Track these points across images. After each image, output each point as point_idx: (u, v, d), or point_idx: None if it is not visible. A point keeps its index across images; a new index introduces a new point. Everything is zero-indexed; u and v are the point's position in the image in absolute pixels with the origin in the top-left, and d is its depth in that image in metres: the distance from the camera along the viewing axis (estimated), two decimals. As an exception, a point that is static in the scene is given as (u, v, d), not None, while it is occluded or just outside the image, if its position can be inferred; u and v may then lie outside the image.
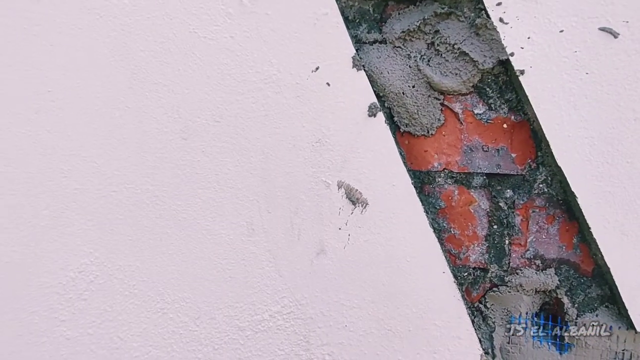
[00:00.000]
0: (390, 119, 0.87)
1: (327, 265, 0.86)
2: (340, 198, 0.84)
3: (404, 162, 0.84)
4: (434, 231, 0.86)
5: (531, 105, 0.79)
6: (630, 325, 0.86)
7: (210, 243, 0.86)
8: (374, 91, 0.82)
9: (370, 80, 0.82)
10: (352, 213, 0.85)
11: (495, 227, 0.89)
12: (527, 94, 0.79)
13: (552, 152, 0.81)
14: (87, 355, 0.89)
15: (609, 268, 0.84)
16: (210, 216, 0.85)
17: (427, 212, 0.86)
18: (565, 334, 0.88)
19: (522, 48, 0.78)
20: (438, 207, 0.89)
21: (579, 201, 0.81)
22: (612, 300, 0.89)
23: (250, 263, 0.87)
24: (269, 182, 0.84)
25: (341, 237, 0.85)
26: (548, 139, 0.80)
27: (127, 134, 0.83)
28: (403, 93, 0.83)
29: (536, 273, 0.88)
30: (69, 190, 0.84)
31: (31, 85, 0.80)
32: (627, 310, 0.85)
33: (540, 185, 0.86)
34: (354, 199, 0.84)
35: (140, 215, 0.85)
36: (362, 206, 0.84)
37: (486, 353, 0.89)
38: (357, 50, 0.81)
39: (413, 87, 0.84)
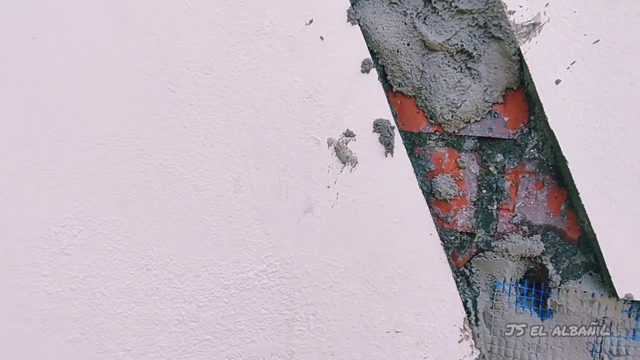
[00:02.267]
0: (383, 77, 0.85)
1: (314, 224, 0.85)
2: (330, 156, 0.83)
3: (395, 122, 0.83)
4: (423, 193, 0.85)
5: (527, 66, 0.78)
6: (612, 293, 0.87)
7: (197, 199, 0.85)
8: (368, 47, 0.80)
9: (364, 36, 0.80)
10: (341, 172, 0.84)
11: (484, 191, 0.89)
12: (523, 54, 0.78)
13: (545, 116, 0.80)
14: (69, 311, 0.88)
15: (595, 235, 0.84)
16: (197, 171, 0.84)
17: (416, 174, 0.85)
18: (548, 300, 0.89)
19: (521, 6, 0.77)
20: (428, 170, 0.88)
21: (570, 166, 0.81)
22: (595, 267, 0.89)
23: (236, 220, 0.85)
24: (258, 138, 0.83)
25: (329, 196, 0.84)
26: (542, 101, 0.79)
27: (113, 84, 0.80)
28: (397, 51, 0.82)
29: (522, 239, 0.88)
30: (52, 142, 0.82)
31: (13, 32, 0.76)
32: (610, 277, 0.85)
33: (531, 150, 0.86)
34: (343, 157, 0.83)
35: (125, 169, 0.83)
36: (351, 165, 0.83)
37: (469, 317, 0.89)
38: (352, 4, 0.79)
39: (408, 45, 0.82)
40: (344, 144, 0.83)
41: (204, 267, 0.87)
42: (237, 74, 0.80)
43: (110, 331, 0.88)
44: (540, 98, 0.79)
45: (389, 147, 0.83)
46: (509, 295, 0.89)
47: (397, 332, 0.88)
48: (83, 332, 0.87)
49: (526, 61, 0.78)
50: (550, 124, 0.80)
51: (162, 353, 0.89)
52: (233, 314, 0.89)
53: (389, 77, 0.85)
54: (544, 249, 0.88)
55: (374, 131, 0.83)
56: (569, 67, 0.79)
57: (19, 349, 0.84)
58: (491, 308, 0.90)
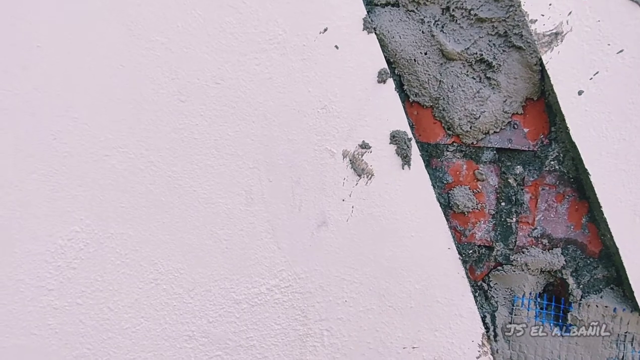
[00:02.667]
0: (399, 87, 0.83)
1: (328, 238, 0.83)
2: (345, 168, 0.81)
3: (412, 133, 0.81)
4: (440, 206, 0.83)
5: (548, 77, 0.76)
6: (634, 307, 0.85)
7: (207, 212, 0.82)
8: (384, 56, 0.78)
9: (380, 45, 0.78)
10: (356, 184, 0.81)
11: (503, 204, 0.86)
12: (545, 64, 0.76)
13: (566, 127, 0.78)
14: (76, 326, 0.86)
15: (617, 249, 0.82)
16: (208, 184, 0.81)
17: (433, 186, 0.83)
18: (568, 315, 0.87)
19: (543, 15, 0.74)
20: (445, 182, 0.86)
21: (592, 179, 0.79)
22: (617, 282, 0.87)
23: (248, 234, 0.83)
24: (270, 150, 0.80)
25: (344, 209, 0.82)
26: (564, 112, 0.77)
27: (121, 94, 0.78)
28: (415, 60, 0.79)
29: (542, 252, 0.85)
30: (59, 153, 0.79)
31: (18, 39, 0.74)
32: (632, 292, 0.83)
33: (552, 162, 0.84)
34: (359, 169, 0.80)
35: (134, 181, 0.81)
36: (367, 177, 0.81)
37: (488, 332, 0.87)
38: (368, 12, 0.77)
39: (425, 54, 0.80)
40: (360, 156, 0.80)
41: (215, 281, 0.85)
42: (249, 84, 0.78)
43: (118, 347, 0.85)
44: (562, 109, 0.77)
45: (405, 160, 0.80)
46: (529, 310, 0.87)
47: (413, 347, 0.86)
48: (90, 348, 0.85)
49: (548, 71, 0.76)
50: (572, 136, 0.78)
51: (171, 369, 0.87)
52: (245, 329, 0.86)
53: (405, 87, 0.82)
54: (565, 263, 0.85)
55: (390, 143, 0.81)
56: (591, 78, 0.76)
57: (24, 366, 0.82)
58: (510, 323, 0.87)
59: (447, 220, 0.85)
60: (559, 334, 0.87)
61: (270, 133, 0.80)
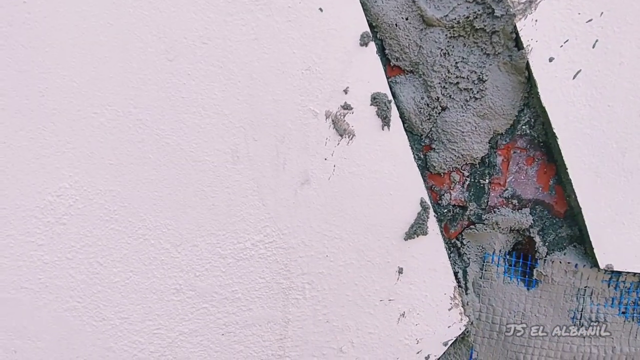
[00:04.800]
0: (381, 51, 0.86)
1: (310, 195, 0.87)
2: (328, 128, 0.84)
3: (392, 95, 0.84)
4: (418, 167, 0.87)
5: (522, 43, 0.80)
6: (594, 263, 0.91)
7: (194, 170, 0.85)
8: (367, 20, 0.81)
9: (363, 9, 0.80)
10: (338, 144, 0.85)
11: (476, 166, 0.91)
12: (519, 31, 0.79)
13: (538, 93, 0.82)
14: (66, 280, 0.89)
15: (580, 208, 0.87)
16: (195, 142, 0.84)
17: (412, 148, 0.87)
18: (534, 270, 0.93)
19: (518, -18, 0.78)
20: (423, 144, 0.90)
21: (559, 142, 0.84)
22: (580, 240, 0.93)
23: (234, 191, 0.86)
24: (255, 109, 0.83)
25: (326, 168, 0.86)
26: (535, 78, 0.81)
27: (109, 52, 0.79)
28: (396, 25, 0.82)
29: (512, 212, 0.91)
30: (47, 110, 0.81)
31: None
32: (592, 249, 0.89)
33: (523, 127, 0.88)
34: (341, 130, 0.84)
35: (122, 138, 0.83)
36: (348, 137, 0.84)
37: (459, 286, 0.93)
38: (352, -25, 0.79)
39: (406, 19, 0.83)
40: (342, 117, 0.84)
41: (202, 237, 0.88)
42: (235, 44, 0.80)
43: (108, 300, 0.89)
44: (534, 75, 0.81)
45: (385, 121, 0.84)
46: (498, 266, 0.93)
47: (390, 300, 0.91)
48: (80, 301, 0.88)
49: (522, 38, 0.80)
50: (542, 101, 0.82)
51: (159, 321, 0.91)
52: (230, 283, 0.90)
53: (387, 51, 0.85)
54: (532, 222, 0.91)
55: (371, 104, 0.84)
56: (562, 45, 0.80)
57: (14, 318, 0.85)
58: (480, 278, 0.93)
59: (424, 180, 0.89)
60: (525, 289, 0.94)
61: (256, 93, 0.82)
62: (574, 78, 0.81)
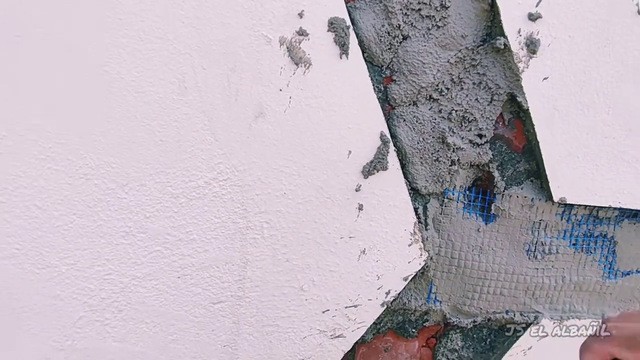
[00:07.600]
0: (339, -28, 0.80)
1: (266, 129, 0.82)
2: (282, 56, 0.78)
3: (351, 22, 0.79)
4: (378, 100, 0.84)
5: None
6: (549, 197, 0.93)
7: (137, 101, 0.78)
8: None
9: None
10: (294, 74, 0.80)
11: (438, 99, 0.89)
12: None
13: (500, 21, 0.79)
14: (1, 225, 0.82)
15: (538, 142, 0.87)
16: (136, 70, 0.76)
17: (372, 79, 0.83)
18: (492, 205, 0.93)
19: None
20: (384, 76, 0.86)
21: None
22: (536, 174, 0.94)
23: (182, 125, 0.80)
24: (203, 34, 0.76)
25: (282, 100, 0.81)
26: (498, 4, 0.78)
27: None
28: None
29: (472, 147, 0.90)
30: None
31: None
32: (548, 182, 0.90)
33: (485, 57, 0.86)
34: (296, 58, 0.78)
35: (53, 66, 0.74)
36: (305, 66, 0.79)
37: (419, 222, 0.92)
38: None
39: None
40: (297, 44, 0.78)
41: (150, 175, 0.83)
42: (178, -42, 0.72)
43: (51, 245, 0.83)
44: (498, 6, 0.78)
45: (344, 48, 0.79)
46: (457, 202, 0.93)
47: (350, 237, 0.90)
48: (19, 248, 0.81)
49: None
50: (504, 30, 0.79)
51: (109, 266, 0.86)
52: (184, 223, 0.86)
53: (345, -29, 0.79)
54: (492, 157, 0.91)
55: (328, 30, 0.79)
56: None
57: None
58: (440, 214, 0.93)
59: (385, 114, 0.86)
60: (483, 223, 0.95)
61: (203, 15, 0.75)
62: (536, 5, 0.79)
